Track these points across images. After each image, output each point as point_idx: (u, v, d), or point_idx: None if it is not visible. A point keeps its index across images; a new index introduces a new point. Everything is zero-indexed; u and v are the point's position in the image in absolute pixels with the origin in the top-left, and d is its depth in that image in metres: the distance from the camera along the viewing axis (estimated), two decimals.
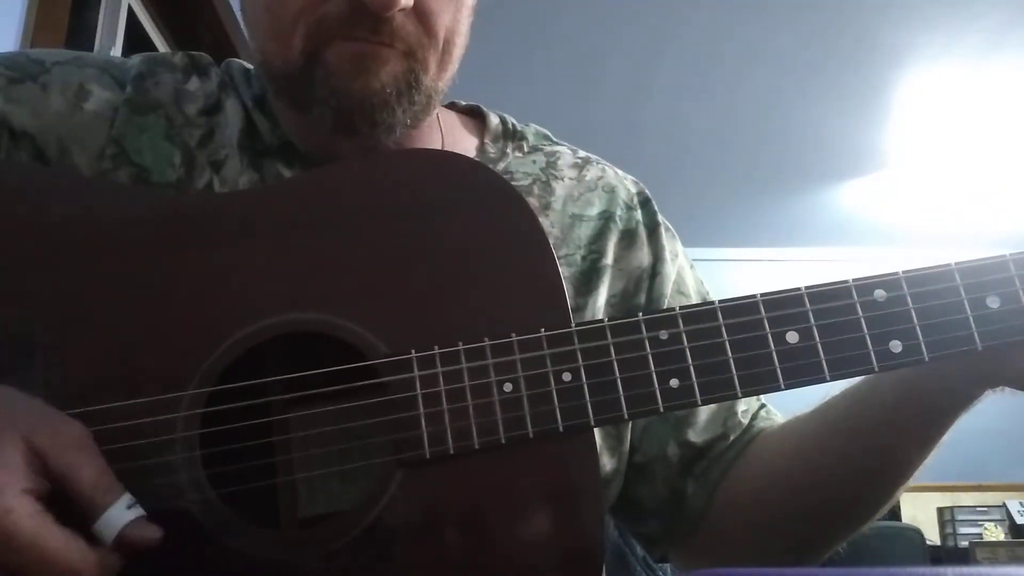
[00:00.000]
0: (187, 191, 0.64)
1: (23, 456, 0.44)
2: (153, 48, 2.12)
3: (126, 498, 0.46)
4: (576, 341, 0.51)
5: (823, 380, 0.51)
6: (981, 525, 4.29)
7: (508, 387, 0.50)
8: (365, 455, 0.52)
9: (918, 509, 4.20)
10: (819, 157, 3.89)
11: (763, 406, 0.74)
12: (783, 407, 0.73)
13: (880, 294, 0.51)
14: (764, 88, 3.33)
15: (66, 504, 0.45)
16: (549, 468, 0.51)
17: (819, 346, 0.51)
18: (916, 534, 3.17)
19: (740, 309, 0.52)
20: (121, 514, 0.46)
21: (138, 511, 0.46)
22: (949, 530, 4.33)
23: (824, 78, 3.26)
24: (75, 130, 0.64)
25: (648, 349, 0.51)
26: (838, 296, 0.51)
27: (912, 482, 0.63)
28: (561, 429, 0.50)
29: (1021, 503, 4.34)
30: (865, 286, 0.52)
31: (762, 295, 0.52)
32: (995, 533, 4.24)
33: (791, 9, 2.84)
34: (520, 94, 3.01)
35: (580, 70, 3.20)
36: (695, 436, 0.70)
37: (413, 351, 0.51)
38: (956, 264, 0.52)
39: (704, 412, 0.71)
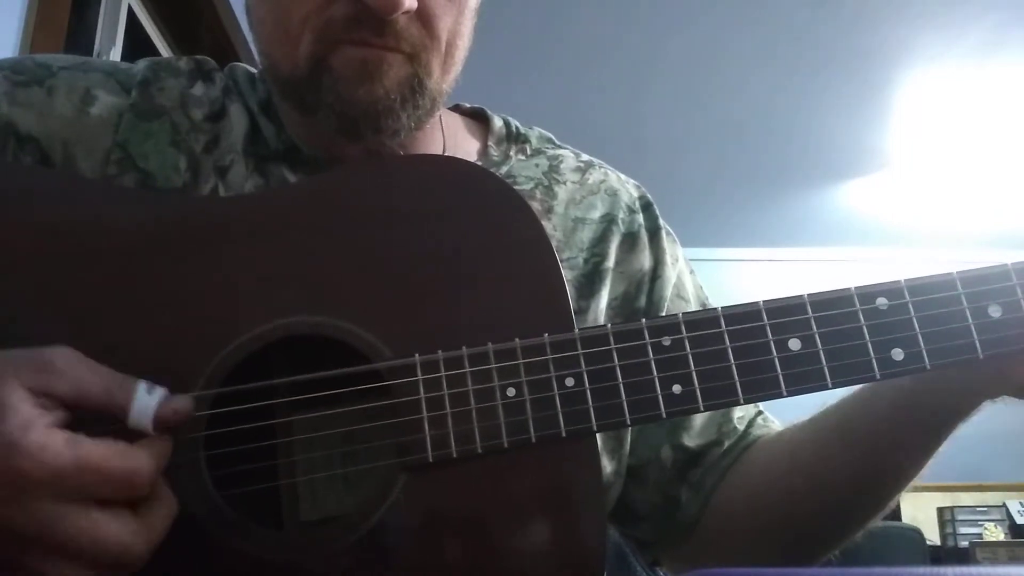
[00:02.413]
0: (192, 195, 0.64)
1: (26, 398, 0.43)
2: (153, 49, 2.12)
3: (143, 384, 0.47)
4: (579, 347, 0.51)
5: (825, 387, 0.51)
6: (981, 525, 4.29)
7: (511, 392, 0.51)
8: (369, 458, 0.52)
9: (918, 509, 4.20)
10: (819, 157, 3.89)
11: (760, 413, 0.74)
12: (781, 414, 0.73)
13: (882, 302, 0.52)
14: (764, 88, 3.33)
15: (91, 421, 0.45)
16: (551, 473, 0.52)
17: (821, 353, 0.51)
18: (916, 534, 3.17)
19: (743, 316, 0.52)
20: (146, 400, 0.46)
21: (160, 391, 0.47)
22: (949, 530, 4.33)
23: (824, 78, 3.26)
24: (80, 135, 0.64)
25: (651, 355, 0.51)
26: (840, 304, 0.52)
27: (911, 483, 0.63)
28: (564, 434, 0.50)
29: (1021, 503, 4.34)
30: (867, 294, 0.52)
31: (764, 302, 0.52)
32: (995, 533, 4.24)
33: (791, 9, 2.84)
34: (520, 94, 3.01)
35: (580, 70, 3.20)
36: (690, 440, 0.71)
37: (417, 355, 0.51)
38: (958, 273, 0.52)
39: (699, 416, 0.71)
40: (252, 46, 0.67)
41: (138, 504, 0.45)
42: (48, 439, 0.43)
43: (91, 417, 0.45)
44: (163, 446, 0.46)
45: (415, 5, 0.57)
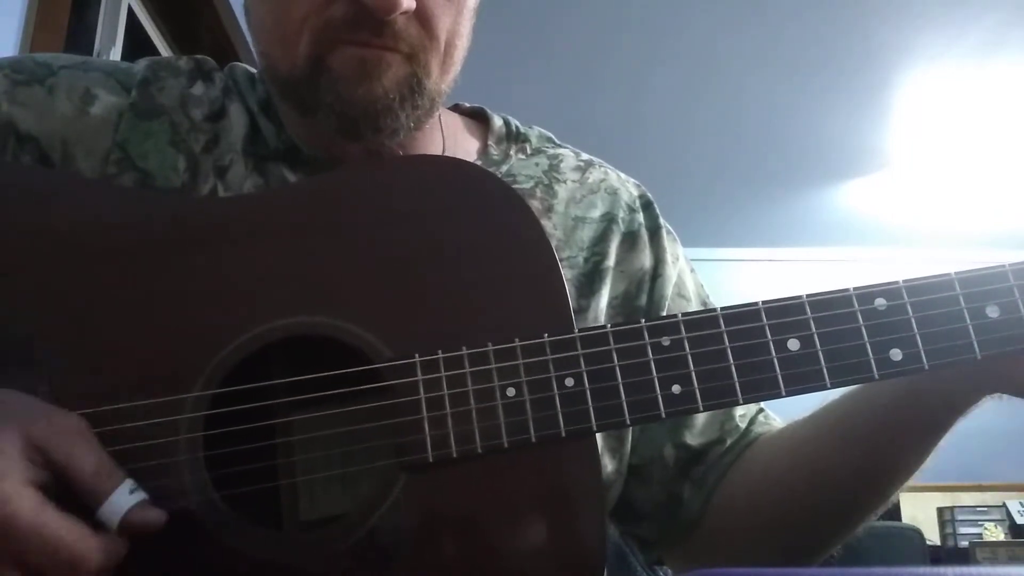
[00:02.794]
0: (191, 195, 0.64)
1: (22, 448, 0.44)
2: (153, 49, 2.12)
3: (128, 483, 0.46)
4: (579, 347, 0.51)
5: (824, 387, 0.51)
6: (981, 525, 4.29)
7: (511, 392, 0.51)
8: (368, 458, 0.52)
9: (918, 509, 4.19)
10: (820, 157, 3.89)
11: (761, 410, 0.74)
12: (782, 412, 0.73)
13: (881, 302, 0.52)
14: (765, 88, 3.33)
15: (69, 495, 0.45)
16: (551, 473, 0.52)
17: (820, 354, 0.51)
18: (916, 534, 3.16)
19: (742, 316, 0.52)
20: (124, 499, 0.46)
21: (141, 495, 0.47)
22: (949, 530, 4.33)
23: (824, 78, 3.26)
24: (80, 134, 0.64)
25: (650, 355, 0.51)
26: (839, 304, 0.52)
27: (912, 482, 0.63)
28: (564, 434, 0.50)
29: (1021, 503, 4.34)
30: (866, 294, 0.52)
31: (764, 303, 0.52)
32: (995, 533, 4.23)
33: (792, 9, 2.84)
34: (520, 94, 3.01)
35: (581, 70, 3.20)
36: (692, 439, 0.71)
37: (417, 355, 0.51)
38: (956, 273, 0.52)
39: (701, 415, 0.71)
40: (251, 46, 0.67)
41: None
42: (17, 493, 0.43)
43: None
44: (120, 548, 0.45)
45: (413, 5, 0.58)
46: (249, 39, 0.67)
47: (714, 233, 4.58)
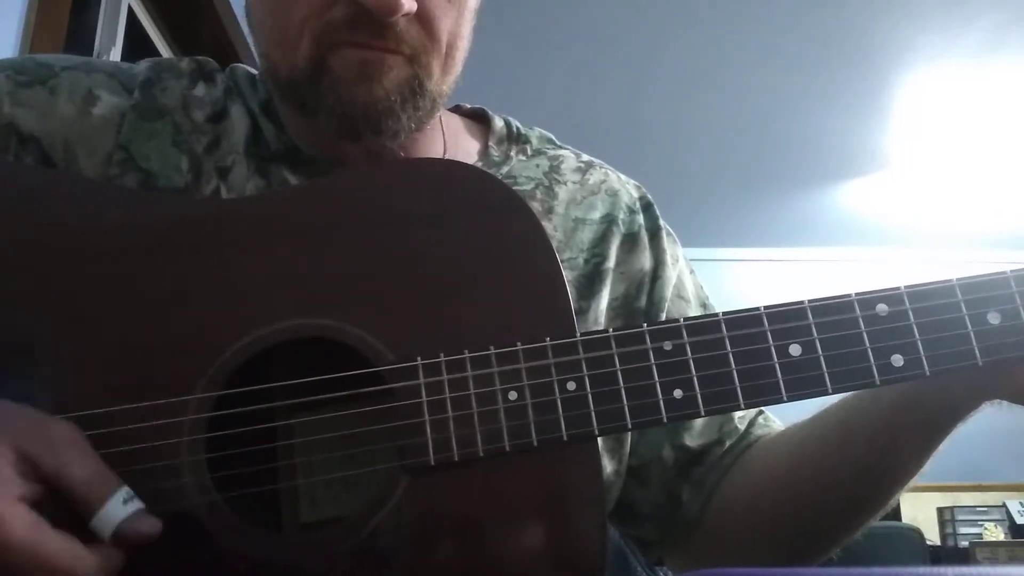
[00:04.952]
0: (194, 197, 0.64)
1: (12, 462, 0.44)
2: (153, 49, 2.12)
3: (123, 492, 0.46)
4: (581, 351, 0.51)
5: (825, 393, 0.51)
6: (981, 525, 4.29)
7: (513, 395, 0.51)
8: (370, 461, 0.52)
9: (918, 509, 4.19)
10: (820, 157, 3.89)
11: (761, 413, 0.74)
12: (782, 414, 0.73)
13: (882, 308, 0.52)
14: (764, 88, 3.33)
15: (63, 506, 0.45)
16: (552, 476, 0.52)
17: (822, 359, 0.51)
18: (916, 534, 3.17)
19: (743, 321, 0.52)
20: (118, 509, 0.45)
21: (136, 504, 0.46)
22: (949, 530, 4.33)
23: (824, 78, 3.25)
24: (82, 135, 0.65)
25: (652, 359, 0.51)
26: (841, 310, 0.52)
27: (911, 483, 0.63)
28: (565, 438, 0.50)
29: (1021, 503, 4.34)
30: (867, 300, 0.52)
31: (765, 307, 0.52)
32: (995, 533, 4.23)
33: (792, 9, 2.84)
34: (520, 94, 3.01)
35: (580, 70, 3.20)
36: (691, 440, 0.71)
37: (419, 358, 0.51)
38: (958, 280, 0.52)
39: None
40: (252, 47, 0.67)
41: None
42: (10, 511, 0.42)
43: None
44: (116, 559, 0.45)
45: (415, 7, 0.58)
46: (250, 40, 0.67)
47: (714, 233, 4.58)
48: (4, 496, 0.42)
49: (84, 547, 0.44)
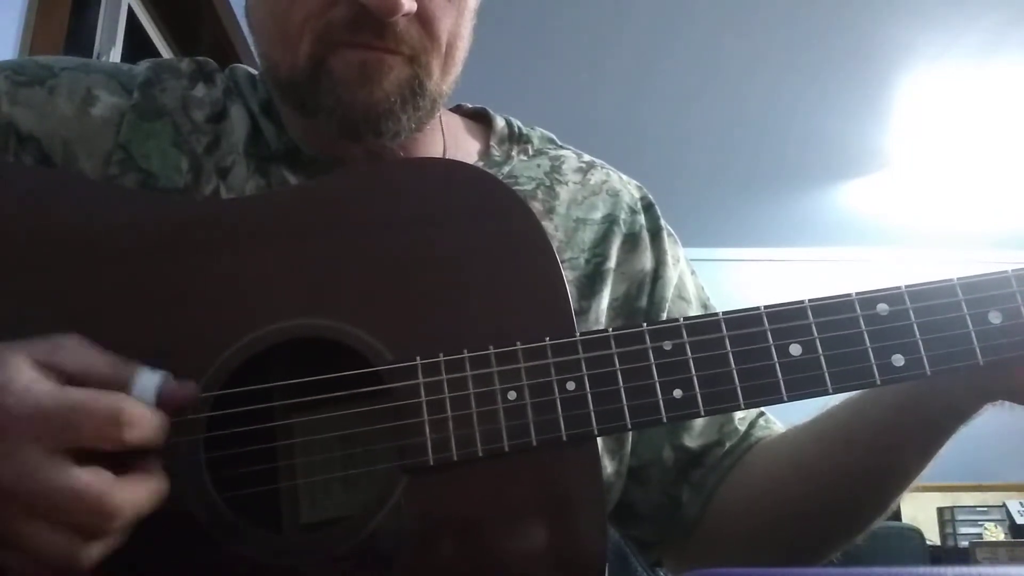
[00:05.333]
0: (194, 197, 0.64)
1: (31, 363, 0.44)
2: (153, 49, 2.12)
3: (146, 367, 0.47)
4: (580, 350, 0.51)
5: (826, 393, 0.51)
6: (981, 525, 4.29)
7: (512, 395, 0.51)
8: (369, 461, 0.52)
9: (918, 509, 4.19)
10: (820, 157, 3.89)
11: (762, 414, 0.74)
12: (782, 416, 0.73)
13: (883, 308, 0.51)
14: (765, 88, 3.33)
15: None
16: (552, 477, 0.52)
17: (822, 359, 0.51)
18: (916, 534, 3.17)
19: (744, 321, 0.52)
20: (149, 376, 0.46)
21: (163, 372, 0.47)
22: (949, 530, 4.33)
23: (824, 78, 3.26)
24: (82, 135, 0.65)
25: (652, 359, 0.51)
26: (841, 309, 0.52)
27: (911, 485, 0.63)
28: (564, 438, 0.50)
29: (1021, 503, 4.34)
30: (868, 300, 0.52)
31: (766, 307, 0.52)
32: (995, 533, 4.23)
33: (792, 9, 2.84)
34: (521, 94, 3.01)
35: (581, 71, 3.20)
36: (690, 441, 0.71)
37: (418, 358, 0.51)
38: (958, 279, 0.52)
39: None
40: (252, 47, 0.67)
41: (124, 470, 0.44)
42: (35, 383, 0.43)
43: None
44: (161, 415, 0.46)
45: (415, 7, 0.58)
46: (250, 40, 0.67)
47: (714, 233, 4.58)
48: (26, 374, 0.43)
49: (120, 393, 0.45)
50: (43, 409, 0.42)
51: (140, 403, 0.45)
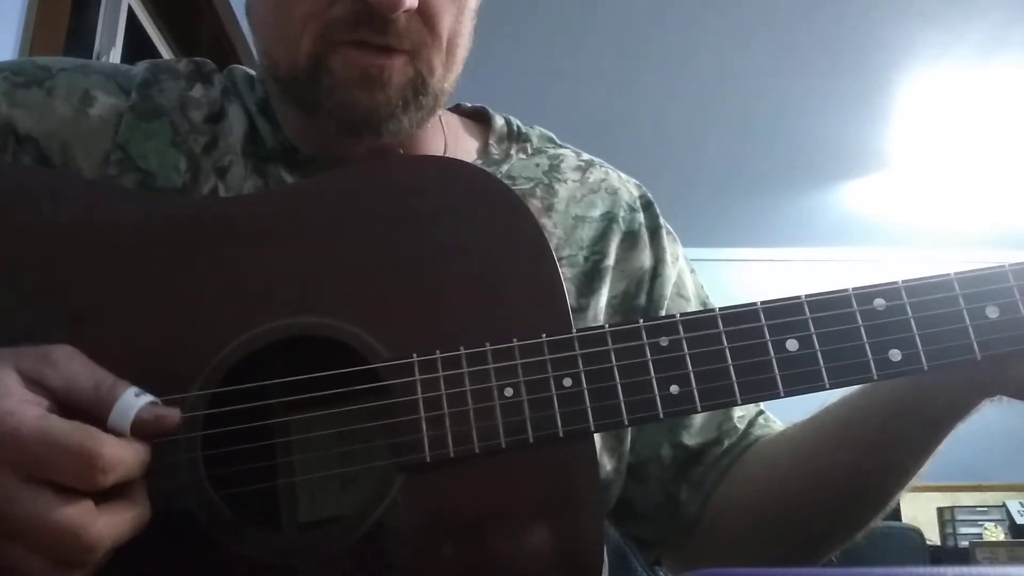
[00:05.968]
0: (192, 196, 0.64)
1: (18, 380, 0.44)
2: (153, 49, 2.12)
3: (132, 389, 0.46)
4: (577, 347, 0.51)
5: (823, 388, 0.51)
6: (981, 525, 4.29)
7: (509, 392, 0.51)
8: (366, 458, 0.52)
9: (918, 509, 4.19)
10: (820, 157, 3.89)
11: (761, 412, 0.74)
12: (782, 414, 0.73)
13: (880, 303, 0.51)
14: (765, 89, 3.33)
15: (75, 417, 0.44)
16: (549, 473, 0.51)
17: (819, 354, 0.51)
18: (916, 534, 3.17)
19: (740, 316, 0.52)
20: (131, 400, 0.45)
21: (148, 397, 0.46)
22: (949, 530, 4.33)
23: (824, 78, 3.26)
24: (80, 135, 0.65)
25: (648, 355, 0.51)
26: (838, 304, 0.52)
27: (911, 483, 0.63)
28: (561, 434, 0.50)
29: (1021, 503, 4.34)
30: (865, 295, 0.52)
31: (762, 303, 0.52)
32: (995, 533, 4.23)
33: (792, 10, 2.85)
34: (521, 94, 3.01)
35: (581, 71, 3.21)
36: (689, 439, 0.71)
37: (415, 355, 0.51)
38: (955, 274, 0.52)
39: (699, 415, 0.71)
40: (252, 46, 0.67)
41: (104, 500, 0.43)
42: (19, 408, 0.42)
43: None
44: (138, 447, 0.45)
45: (416, 3, 0.58)
46: (250, 39, 0.67)
47: (715, 233, 4.59)
48: (11, 398, 0.42)
49: (100, 432, 0.43)
50: (21, 439, 0.42)
51: (118, 444, 0.43)
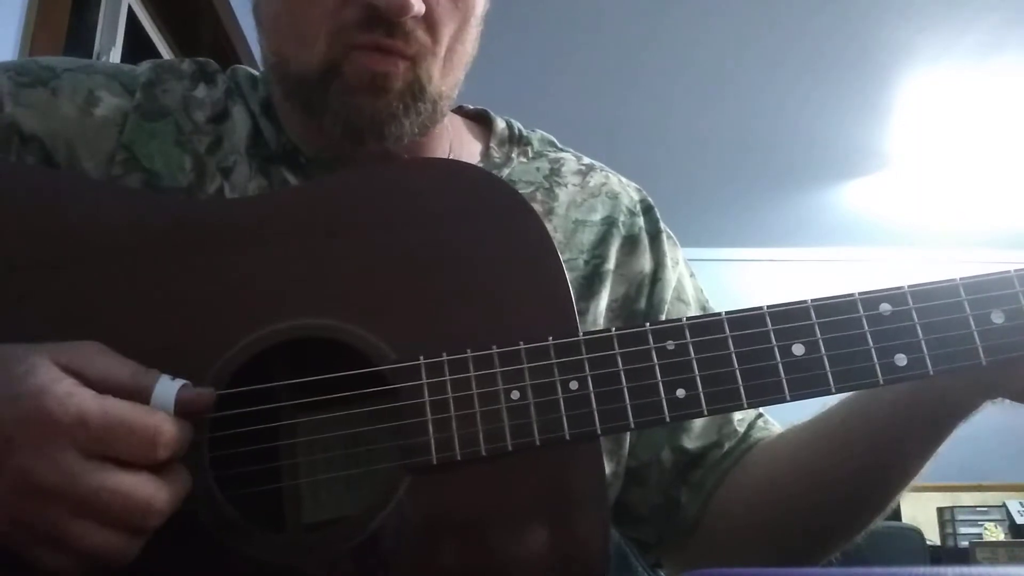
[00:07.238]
0: (198, 196, 0.64)
1: (59, 369, 0.45)
2: (153, 49, 2.12)
3: (166, 375, 0.48)
4: (584, 350, 0.51)
5: (828, 392, 0.51)
6: (981, 525, 4.29)
7: (515, 395, 0.51)
8: (372, 460, 0.52)
9: (918, 509, 4.19)
10: (820, 157, 3.89)
11: (760, 415, 0.74)
12: (782, 415, 0.73)
13: (886, 308, 0.52)
14: (765, 88, 3.33)
15: None
16: (555, 476, 0.52)
17: (825, 359, 0.51)
18: (916, 534, 3.16)
19: (746, 321, 0.52)
20: (169, 385, 0.47)
21: (181, 380, 0.48)
22: (949, 530, 4.33)
23: (824, 78, 3.25)
24: (84, 135, 0.65)
25: (655, 359, 0.51)
26: (844, 309, 0.52)
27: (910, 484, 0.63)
28: (568, 437, 0.50)
29: (1021, 503, 4.34)
30: (871, 300, 0.52)
31: (768, 307, 0.52)
32: (995, 533, 4.23)
33: (792, 9, 2.84)
34: (522, 94, 3.01)
35: (581, 71, 3.20)
36: (689, 442, 0.71)
37: (421, 358, 0.51)
38: (961, 279, 0.52)
39: (699, 419, 0.71)
40: (258, 44, 0.67)
41: (157, 471, 0.46)
42: (76, 390, 0.44)
43: None
44: (184, 424, 0.47)
45: (423, 9, 0.58)
46: (251, 39, 0.67)
47: (715, 233, 4.59)
48: (65, 381, 0.45)
49: (153, 408, 0.46)
50: (86, 418, 0.44)
51: (175, 423, 0.46)
